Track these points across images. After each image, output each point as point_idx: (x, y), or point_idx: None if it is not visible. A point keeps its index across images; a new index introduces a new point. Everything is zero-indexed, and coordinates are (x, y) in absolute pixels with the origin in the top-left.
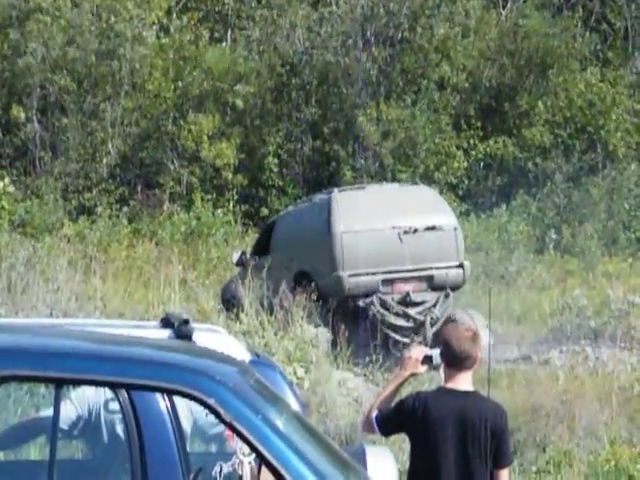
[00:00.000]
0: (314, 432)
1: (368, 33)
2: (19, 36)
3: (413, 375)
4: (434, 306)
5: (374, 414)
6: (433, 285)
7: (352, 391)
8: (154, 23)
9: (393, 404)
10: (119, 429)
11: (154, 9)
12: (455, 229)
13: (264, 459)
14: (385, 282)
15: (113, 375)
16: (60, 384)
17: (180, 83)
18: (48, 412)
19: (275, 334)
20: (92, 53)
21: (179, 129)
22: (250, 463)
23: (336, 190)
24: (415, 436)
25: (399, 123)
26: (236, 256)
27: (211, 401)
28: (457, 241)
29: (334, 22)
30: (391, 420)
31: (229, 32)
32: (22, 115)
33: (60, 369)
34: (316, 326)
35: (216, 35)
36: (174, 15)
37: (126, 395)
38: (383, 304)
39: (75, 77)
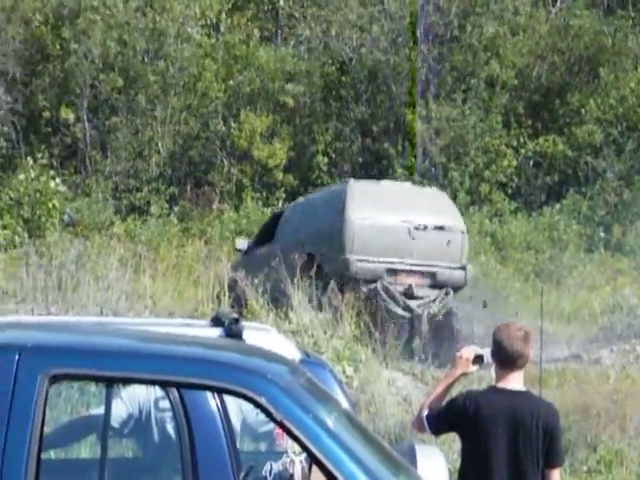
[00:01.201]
0: (364, 431)
1: (418, 31)
2: (70, 35)
3: (464, 374)
4: (433, 302)
5: (425, 413)
6: (435, 282)
7: (401, 390)
8: (205, 24)
9: (444, 403)
10: (169, 428)
11: (204, 8)
12: (462, 232)
13: (315, 458)
14: (389, 272)
15: (164, 374)
16: (111, 383)
17: (231, 82)
18: (99, 410)
19: (324, 333)
20: (141, 52)
21: (229, 128)
22: (301, 462)
23: (352, 180)
24: (466, 435)
25: (449, 121)
26: (243, 243)
27: (262, 400)
28: (463, 244)
29: (384, 21)
30: (442, 419)
31: (279, 31)
32: (71, 116)
33: (111, 368)
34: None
35: (266, 34)
36: (224, 14)
37: (177, 394)
38: (386, 291)
39: (125, 76)
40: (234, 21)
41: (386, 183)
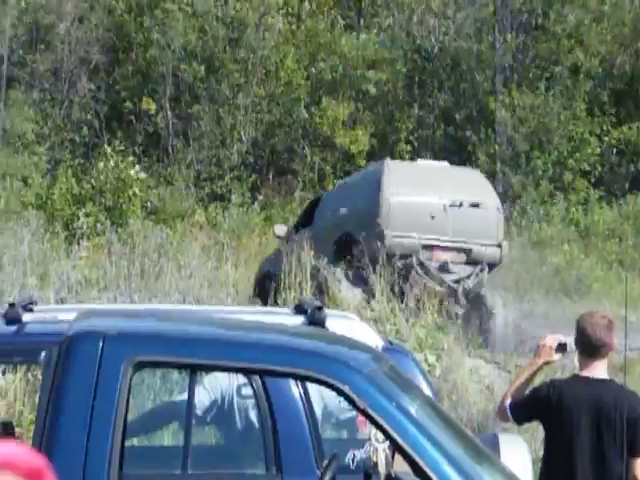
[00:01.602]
0: (448, 419)
1: (503, 20)
2: (152, 24)
3: (547, 363)
4: (468, 277)
5: (508, 402)
6: (470, 259)
7: (484, 378)
8: (286, 12)
9: (527, 392)
10: (252, 415)
11: None
12: (498, 210)
13: (398, 446)
14: (425, 247)
15: (247, 361)
16: (194, 370)
17: (313, 70)
18: (181, 397)
19: (406, 321)
20: (222, 41)
21: (312, 116)
22: (384, 450)
23: (388, 159)
24: (549, 424)
25: (532, 109)
26: (282, 229)
27: (345, 388)
28: (498, 221)
29: (468, 8)
30: (525, 408)
31: (361, 19)
32: (153, 107)
33: (195, 355)
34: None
35: (348, 22)
36: (306, 2)
37: (259, 381)
38: (421, 266)
39: (207, 65)
40: (313, 7)
41: (422, 162)
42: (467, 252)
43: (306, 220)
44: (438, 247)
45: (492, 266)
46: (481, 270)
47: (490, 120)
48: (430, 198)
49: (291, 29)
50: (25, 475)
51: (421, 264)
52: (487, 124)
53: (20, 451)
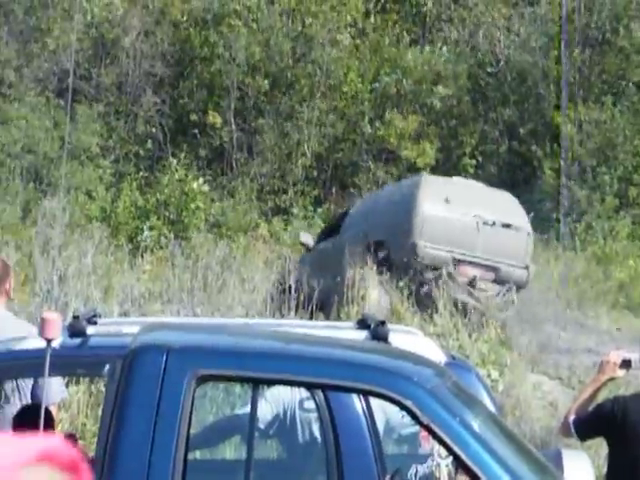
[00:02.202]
0: (511, 435)
1: (569, 34)
2: (217, 39)
3: (611, 379)
4: (497, 296)
5: (572, 418)
6: (498, 278)
7: (547, 394)
8: (349, 25)
9: (591, 408)
10: (315, 429)
11: (350, 11)
12: (528, 234)
13: (461, 462)
14: (455, 261)
15: (310, 375)
16: (257, 384)
17: (377, 84)
18: (243, 411)
19: (469, 336)
20: (287, 55)
21: (377, 130)
22: (447, 466)
23: (425, 173)
24: (613, 440)
25: (599, 124)
26: (308, 237)
27: (408, 403)
28: (527, 244)
29: (534, 23)
30: (589, 424)
31: (426, 34)
32: (218, 120)
33: (257, 369)
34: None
35: (412, 37)
36: (371, 17)
37: (322, 395)
38: (451, 278)
39: (271, 79)
40: (380, 23)
41: (458, 179)
42: (495, 270)
43: (331, 232)
44: (468, 262)
45: (518, 288)
46: (508, 290)
47: (555, 135)
48: (463, 214)
49: (355, 43)
50: (63, 469)
51: (450, 276)
52: (552, 139)
53: (58, 444)
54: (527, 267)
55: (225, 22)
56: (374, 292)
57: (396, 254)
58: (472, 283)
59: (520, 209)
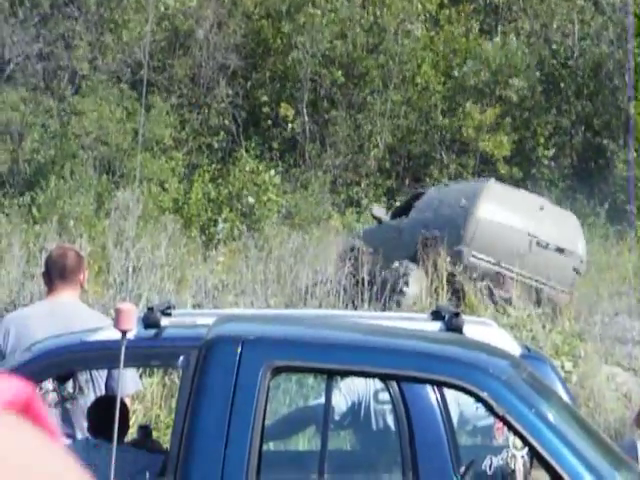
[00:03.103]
0: (586, 425)
1: None
2: (290, 30)
3: None
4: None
5: None
6: (538, 299)
7: (621, 386)
8: (420, 15)
9: None
10: (389, 421)
11: (423, 2)
12: (581, 261)
13: (537, 453)
14: (498, 275)
15: (384, 367)
16: (332, 375)
17: (455, 74)
18: (317, 402)
19: (543, 327)
20: (361, 46)
21: (452, 121)
22: (523, 457)
23: (493, 180)
24: None
25: None
26: (381, 211)
27: (484, 394)
28: (577, 271)
29: (610, 13)
30: None
31: (499, 25)
32: (291, 112)
33: (333, 360)
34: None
35: (485, 28)
36: (445, 8)
37: (397, 387)
38: (489, 293)
39: (344, 70)
40: (453, 14)
41: (525, 193)
42: (536, 291)
43: (403, 210)
44: (510, 278)
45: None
46: (542, 313)
47: (629, 127)
48: (520, 229)
49: (429, 35)
50: (23, 412)
51: (490, 291)
52: (626, 130)
53: (16, 385)
54: (571, 293)
55: (303, 11)
56: (414, 287)
57: (448, 254)
58: (508, 300)
59: (579, 233)
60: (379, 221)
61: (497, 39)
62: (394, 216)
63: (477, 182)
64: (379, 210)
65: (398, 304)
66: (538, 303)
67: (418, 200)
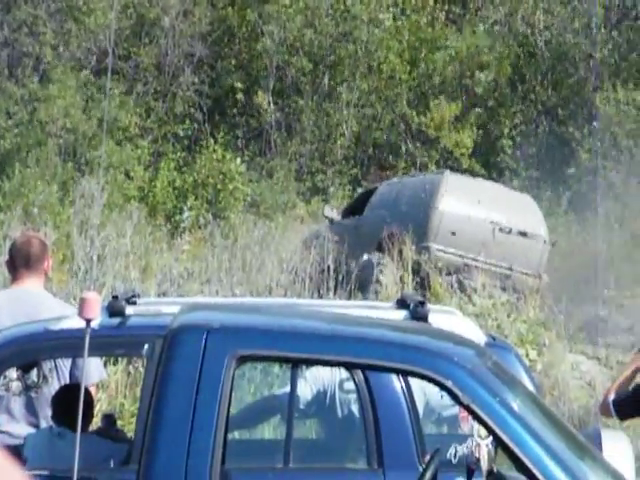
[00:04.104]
0: (550, 414)
1: (612, 14)
2: (256, 18)
3: None
4: (507, 303)
5: (611, 397)
6: (508, 285)
7: (585, 374)
8: (390, 5)
9: (631, 388)
10: (354, 409)
11: None
12: (545, 242)
13: (501, 442)
14: (466, 266)
15: (349, 355)
16: (296, 364)
17: (422, 66)
18: (283, 391)
19: (508, 316)
20: (329, 35)
21: (418, 114)
22: (487, 446)
23: (448, 171)
24: None
25: (637, 105)
26: (332, 211)
27: (449, 383)
28: (543, 253)
29: (575, 3)
30: (629, 404)
31: (465, 14)
32: (258, 100)
33: (297, 349)
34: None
35: (452, 17)
36: None
37: (362, 376)
38: (460, 285)
39: (312, 59)
40: (419, 2)
41: (481, 181)
42: (507, 278)
43: (356, 209)
44: (478, 268)
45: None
46: (517, 299)
47: (593, 116)
48: (481, 218)
49: (396, 25)
50: None
51: (460, 283)
52: (591, 120)
53: None
54: (539, 276)
55: (270, 0)
56: (387, 279)
57: (410, 249)
58: (482, 290)
59: (540, 216)
60: (331, 221)
61: (459, 29)
62: (345, 215)
63: (432, 175)
64: (330, 210)
65: (375, 293)
66: (509, 289)
67: (370, 197)
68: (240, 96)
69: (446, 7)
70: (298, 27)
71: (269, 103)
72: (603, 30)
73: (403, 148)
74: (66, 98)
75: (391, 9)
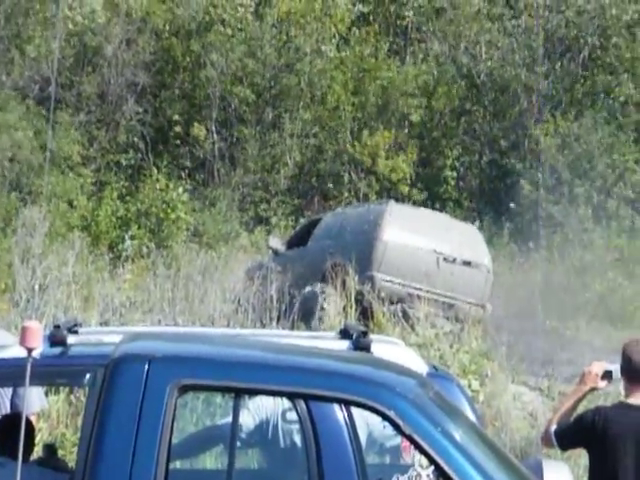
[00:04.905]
0: (492, 445)
1: (552, 48)
2: (200, 48)
3: (593, 390)
4: (449, 333)
5: (553, 428)
6: (452, 315)
7: (527, 405)
8: (334, 37)
9: (572, 419)
10: (296, 439)
11: (335, 23)
12: (488, 271)
13: (443, 472)
14: (411, 296)
15: (292, 385)
16: (239, 394)
17: (360, 96)
18: (225, 421)
19: (450, 346)
20: (272, 66)
21: (354, 142)
22: (428, 476)
23: (392, 201)
24: (594, 451)
25: (577, 137)
26: (277, 242)
27: (391, 413)
28: (486, 282)
29: (517, 36)
30: (570, 434)
31: (408, 46)
32: (202, 133)
33: (240, 379)
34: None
35: (395, 48)
36: (355, 28)
37: (304, 405)
38: (404, 315)
39: (255, 89)
40: (363, 34)
41: (425, 211)
42: (450, 307)
43: (300, 239)
44: (423, 298)
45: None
46: (461, 330)
47: (535, 148)
48: (426, 248)
49: (340, 56)
50: None
51: (404, 313)
52: (532, 151)
53: None
54: (483, 306)
55: (213, 30)
56: (331, 309)
57: (353, 280)
58: (426, 320)
59: (483, 245)
60: (275, 252)
61: (402, 60)
62: (289, 246)
63: (376, 205)
64: (275, 241)
65: (320, 321)
66: (453, 319)
67: (314, 228)
68: (179, 129)
69: (390, 39)
70: (240, 57)
71: (211, 133)
72: (545, 62)
73: (346, 178)
74: (8, 127)
75: (334, 40)
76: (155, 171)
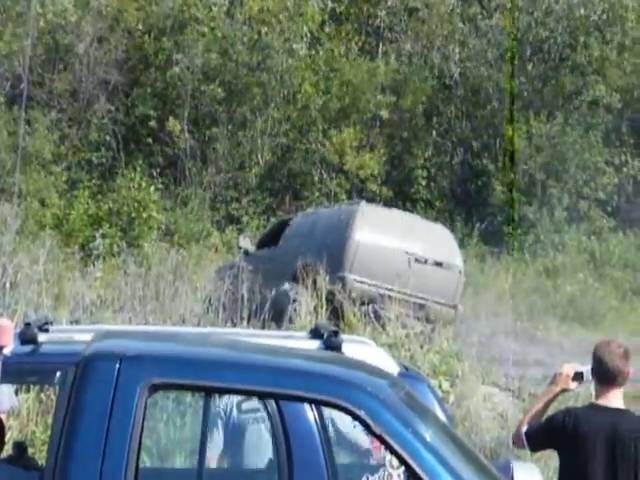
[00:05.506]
0: (462, 445)
1: (523, 49)
2: (172, 46)
3: (564, 391)
4: (420, 334)
5: (524, 429)
6: (424, 315)
7: (497, 406)
8: (305, 35)
9: (543, 420)
10: (266, 439)
11: (307, 21)
12: (460, 272)
13: (413, 472)
14: (382, 297)
15: (262, 385)
16: (210, 393)
17: (328, 95)
18: (195, 420)
19: (421, 347)
20: (243, 64)
21: (323, 141)
22: (399, 476)
23: (364, 202)
24: (564, 452)
25: (549, 139)
26: (247, 242)
27: (361, 413)
28: (458, 283)
29: (490, 36)
30: (541, 435)
31: (381, 45)
32: (177, 128)
33: (210, 378)
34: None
35: (367, 48)
36: (326, 27)
37: (274, 405)
38: (375, 316)
39: (226, 87)
40: (334, 33)
41: (396, 212)
42: (421, 308)
43: (271, 239)
44: (394, 299)
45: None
46: (432, 331)
47: (507, 149)
48: (397, 249)
49: (310, 54)
50: None
51: (376, 313)
52: (504, 152)
53: None
54: (455, 306)
55: (187, 29)
56: (301, 309)
57: (324, 280)
58: (397, 320)
59: (455, 246)
60: (246, 252)
61: (373, 59)
62: (260, 246)
63: (348, 205)
64: (245, 241)
65: (291, 320)
66: (424, 320)
67: (285, 228)
68: (153, 123)
69: (362, 38)
70: (212, 56)
71: (183, 132)
72: (517, 63)
73: (316, 177)
74: None
75: (305, 39)
76: (128, 169)
